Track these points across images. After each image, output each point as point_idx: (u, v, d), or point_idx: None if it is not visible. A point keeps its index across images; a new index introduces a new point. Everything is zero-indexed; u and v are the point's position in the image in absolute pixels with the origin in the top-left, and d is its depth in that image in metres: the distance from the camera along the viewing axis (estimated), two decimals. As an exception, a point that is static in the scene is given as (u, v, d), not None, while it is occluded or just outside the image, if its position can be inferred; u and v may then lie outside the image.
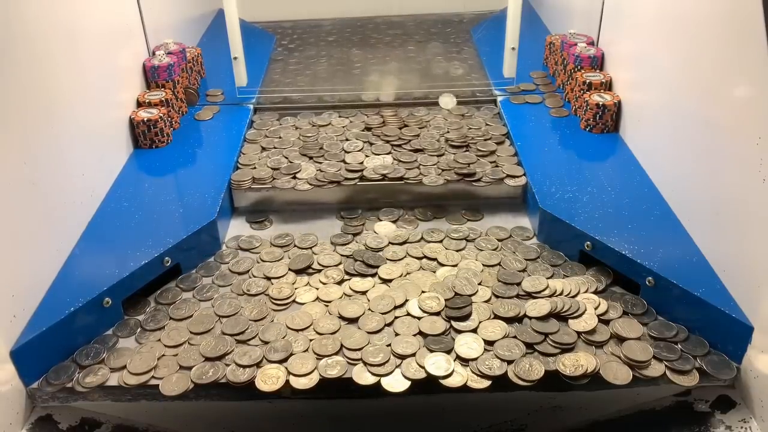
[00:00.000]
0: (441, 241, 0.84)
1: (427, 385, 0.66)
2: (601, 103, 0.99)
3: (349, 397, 0.68)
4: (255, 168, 0.95)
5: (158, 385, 0.66)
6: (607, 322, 0.71)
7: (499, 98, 1.13)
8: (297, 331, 0.72)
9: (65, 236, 0.78)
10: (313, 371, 0.66)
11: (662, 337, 0.69)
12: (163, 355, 0.69)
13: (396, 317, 0.72)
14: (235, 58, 1.12)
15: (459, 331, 0.70)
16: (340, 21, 1.61)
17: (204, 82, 1.23)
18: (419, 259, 0.82)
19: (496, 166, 0.94)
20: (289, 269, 0.80)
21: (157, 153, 0.99)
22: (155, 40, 1.14)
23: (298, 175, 0.93)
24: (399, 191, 0.93)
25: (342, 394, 0.68)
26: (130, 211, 0.85)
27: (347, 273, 0.79)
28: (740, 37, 0.66)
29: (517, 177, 0.92)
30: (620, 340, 0.69)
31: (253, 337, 0.71)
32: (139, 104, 1.03)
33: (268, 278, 0.79)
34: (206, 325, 0.72)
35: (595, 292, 0.75)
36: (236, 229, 0.90)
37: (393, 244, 0.84)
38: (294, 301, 0.76)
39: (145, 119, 0.98)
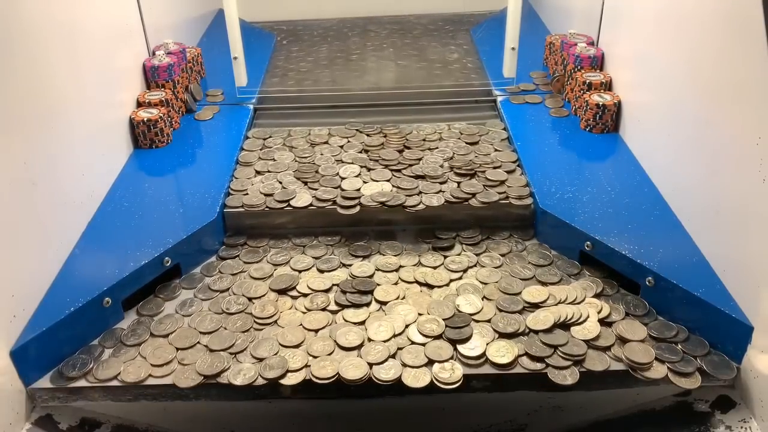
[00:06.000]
0: (436, 268, 0.80)
1: (429, 385, 0.66)
2: (601, 103, 0.99)
3: (349, 397, 0.68)
4: (247, 194, 0.89)
5: (157, 384, 0.67)
6: (610, 325, 0.71)
7: (499, 98, 1.13)
8: (290, 348, 0.69)
9: (65, 236, 0.78)
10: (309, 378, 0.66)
11: (662, 338, 0.69)
12: (150, 375, 0.67)
13: (399, 348, 0.69)
14: (235, 58, 1.12)
15: (466, 357, 0.68)
16: (339, 21, 1.61)
17: (204, 82, 1.23)
18: (419, 284, 0.79)
19: (506, 198, 0.87)
20: (270, 289, 0.78)
21: (157, 153, 0.99)
22: (155, 40, 1.14)
23: (292, 203, 0.88)
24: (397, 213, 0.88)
25: (342, 394, 0.68)
26: (130, 211, 0.85)
27: (338, 304, 0.75)
28: (740, 37, 0.66)
29: (524, 197, 0.87)
30: (623, 341, 0.68)
31: (243, 350, 0.69)
32: (139, 104, 1.03)
33: (250, 298, 0.76)
34: (191, 340, 0.71)
35: (599, 296, 0.75)
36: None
37: (384, 271, 0.80)
38: (276, 322, 0.73)
39: (145, 119, 0.98)
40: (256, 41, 1.44)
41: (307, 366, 0.67)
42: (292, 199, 0.88)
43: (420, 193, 0.89)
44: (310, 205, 0.87)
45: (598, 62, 1.08)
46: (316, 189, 0.90)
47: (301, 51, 1.41)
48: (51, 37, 0.78)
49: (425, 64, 1.32)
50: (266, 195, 0.89)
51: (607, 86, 1.04)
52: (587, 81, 1.04)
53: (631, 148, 0.96)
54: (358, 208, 0.87)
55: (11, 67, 0.69)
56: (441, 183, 0.90)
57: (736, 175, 0.68)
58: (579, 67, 1.08)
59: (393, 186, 0.90)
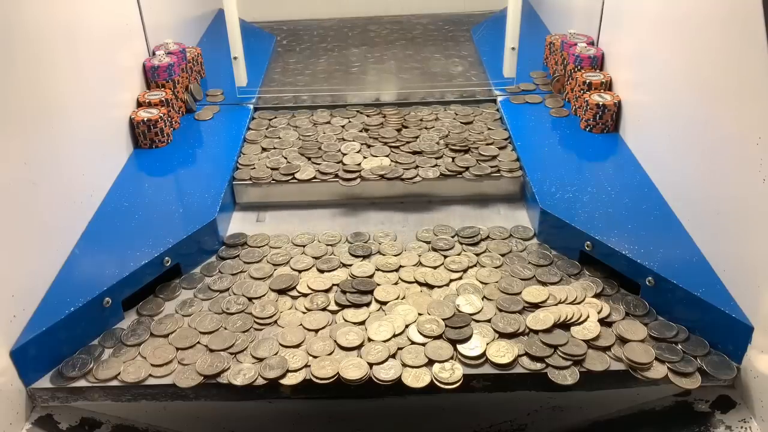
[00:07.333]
0: (436, 268, 0.80)
1: (429, 385, 0.66)
2: (601, 103, 0.99)
3: (349, 397, 0.68)
4: (254, 168, 0.96)
5: (157, 384, 0.67)
6: (610, 325, 0.71)
7: (499, 98, 1.13)
8: (290, 348, 0.69)
9: (65, 236, 0.78)
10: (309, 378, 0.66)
11: (662, 338, 0.69)
12: (150, 375, 0.67)
13: (399, 348, 0.69)
14: (235, 58, 1.12)
15: (466, 358, 0.67)
16: (339, 21, 1.61)
17: (204, 82, 1.23)
18: (419, 284, 0.78)
19: (497, 171, 0.94)
20: (270, 289, 0.78)
21: (157, 153, 0.99)
22: (155, 40, 1.14)
23: (297, 176, 0.94)
24: (395, 186, 0.94)
25: (342, 394, 0.68)
26: (130, 211, 0.85)
27: (338, 304, 0.75)
28: (740, 37, 0.66)
29: (515, 170, 0.93)
30: (623, 341, 0.68)
31: (243, 350, 0.69)
32: (139, 104, 1.03)
33: (250, 298, 0.76)
34: (191, 340, 0.71)
35: (599, 296, 0.75)
36: (235, 228, 0.90)
37: (384, 271, 0.80)
38: (276, 322, 0.73)
39: (145, 119, 0.98)
40: (256, 41, 1.44)
41: (307, 366, 0.67)
42: (296, 172, 0.95)
43: (417, 167, 0.95)
44: (314, 178, 0.93)
45: (598, 62, 1.08)
46: (319, 164, 0.96)
47: (299, 63, 1.36)
48: (51, 37, 0.78)
49: (425, 65, 1.31)
50: (272, 169, 0.96)
51: (607, 86, 1.04)
52: (587, 81, 1.04)
53: (631, 148, 0.96)
54: (358, 181, 0.93)
55: (12, 66, 0.69)
56: (437, 158, 0.97)
57: (736, 175, 0.68)
58: (579, 67, 1.08)
59: (392, 161, 0.97)
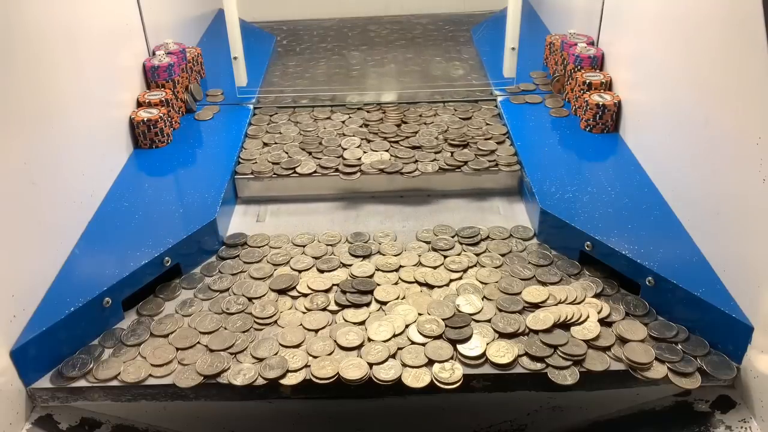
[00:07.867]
0: (436, 268, 0.80)
1: (429, 385, 0.66)
2: (601, 103, 0.99)
3: (349, 397, 0.68)
4: (256, 162, 0.97)
5: (157, 384, 0.67)
6: (610, 325, 0.71)
7: (499, 98, 1.13)
8: (290, 348, 0.69)
9: (65, 236, 0.78)
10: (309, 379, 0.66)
11: (662, 338, 0.69)
12: (150, 375, 0.67)
13: (399, 348, 0.68)
14: (235, 58, 1.12)
15: (466, 357, 0.67)
16: (339, 21, 1.61)
17: (204, 82, 1.23)
18: (419, 284, 0.78)
19: (495, 165, 0.95)
20: (270, 289, 0.77)
21: (157, 153, 0.99)
22: (155, 40, 1.14)
23: (298, 170, 0.95)
24: (395, 180, 0.95)
25: (342, 394, 0.68)
26: (130, 211, 0.85)
27: (338, 304, 0.75)
28: (740, 37, 0.66)
29: (512, 164, 0.95)
30: (623, 341, 0.68)
31: (243, 350, 0.69)
32: (139, 104, 1.03)
33: (250, 298, 0.76)
34: (191, 340, 0.70)
35: (599, 296, 0.75)
36: (236, 224, 0.90)
37: (384, 271, 0.80)
38: (276, 322, 0.73)
39: (145, 119, 0.98)
40: (256, 41, 1.44)
41: (307, 366, 0.67)
42: (297, 166, 0.96)
43: (416, 161, 0.97)
44: (314, 172, 0.95)
45: (598, 62, 1.08)
46: (319, 158, 0.98)
47: (299, 66, 1.34)
48: (51, 38, 0.78)
49: (425, 65, 1.31)
50: (273, 163, 0.97)
51: (607, 86, 1.04)
52: (587, 81, 1.04)
53: (631, 148, 0.96)
54: (358, 175, 0.94)
55: (12, 66, 0.69)
56: (436, 153, 0.99)
57: (736, 175, 0.68)
58: (579, 67, 1.08)
59: (391, 155, 0.98)
